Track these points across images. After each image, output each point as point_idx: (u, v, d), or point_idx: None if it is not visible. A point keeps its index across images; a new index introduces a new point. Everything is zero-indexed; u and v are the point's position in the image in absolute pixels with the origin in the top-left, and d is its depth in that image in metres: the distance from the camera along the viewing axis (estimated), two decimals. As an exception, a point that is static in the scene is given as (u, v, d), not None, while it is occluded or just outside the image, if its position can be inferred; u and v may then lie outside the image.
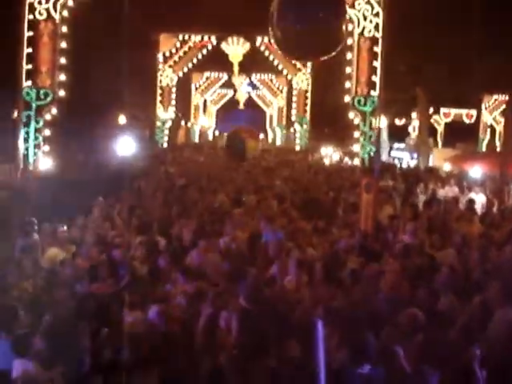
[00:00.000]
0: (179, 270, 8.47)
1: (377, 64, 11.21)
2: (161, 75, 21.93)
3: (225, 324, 6.64)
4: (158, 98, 22.04)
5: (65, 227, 10.18)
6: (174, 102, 22.46)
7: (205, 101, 42.94)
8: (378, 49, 11.22)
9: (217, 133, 51.72)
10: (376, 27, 11.24)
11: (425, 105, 33.56)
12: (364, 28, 11.20)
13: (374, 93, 11.21)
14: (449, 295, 7.32)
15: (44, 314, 6.70)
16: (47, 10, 10.93)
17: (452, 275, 8.04)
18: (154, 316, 6.81)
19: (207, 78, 36.57)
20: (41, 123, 11.06)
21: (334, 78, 18.30)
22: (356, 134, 11.55)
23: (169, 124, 22.33)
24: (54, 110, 11.18)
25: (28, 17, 11.00)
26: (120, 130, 25.76)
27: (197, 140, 40.71)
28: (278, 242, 9.66)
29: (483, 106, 34.36)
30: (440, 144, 39.99)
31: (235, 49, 22.64)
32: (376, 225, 11.40)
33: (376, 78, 11.20)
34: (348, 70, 11.54)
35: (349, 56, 11.47)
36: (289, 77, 25.33)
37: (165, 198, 14.53)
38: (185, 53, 22.03)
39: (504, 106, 31.74)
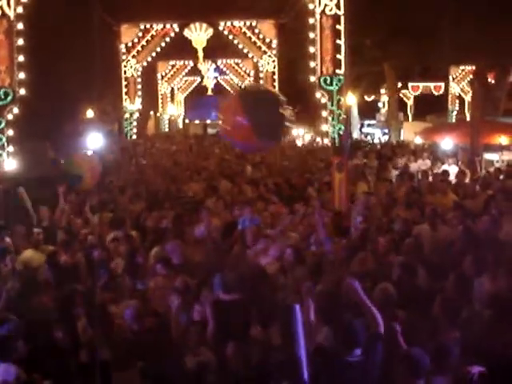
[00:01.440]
0: (160, 262, 8.34)
1: (340, 42, 11.10)
2: (125, 66, 21.59)
3: (199, 317, 6.56)
4: (124, 90, 21.71)
5: (39, 229, 9.97)
6: (140, 93, 22.15)
7: (172, 89, 42.54)
8: (340, 26, 11.11)
9: (187, 121, 51.39)
10: (337, 5, 11.12)
11: (393, 80, 33.64)
12: (325, 6, 11.07)
13: (340, 71, 11.12)
14: (422, 269, 7.31)
15: (22, 317, 6.58)
16: (1, 7, 10.64)
17: (420, 248, 8.08)
18: (132, 313, 6.72)
19: (173, 66, 36.20)
20: (3, 124, 10.80)
21: (299, 59, 18.21)
22: (324, 114, 11.48)
23: (137, 115, 22.05)
24: (16, 110, 10.91)
25: (-19, 15, 10.70)
26: (88, 125, 25.47)
27: (167, 129, 40.40)
28: (256, 228, 9.57)
29: (450, 78, 34.52)
30: (410, 118, 40.21)
31: (198, 35, 22.38)
32: (350, 203, 11.38)
33: (341, 56, 11.10)
34: (312, 49, 11.42)
35: (312, 35, 11.35)
36: (255, 60, 25.15)
37: (137, 190, 14.35)
38: (148, 42, 21.71)
39: (471, 76, 31.90)
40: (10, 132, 10.99)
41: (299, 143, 32.07)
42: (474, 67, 30.74)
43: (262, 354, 5.80)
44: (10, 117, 10.89)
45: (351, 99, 28.91)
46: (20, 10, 10.90)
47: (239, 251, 8.88)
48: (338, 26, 11.16)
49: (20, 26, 11.00)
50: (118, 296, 7.60)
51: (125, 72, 21.59)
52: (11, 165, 11.08)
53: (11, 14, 10.79)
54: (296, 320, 5.13)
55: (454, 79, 34.48)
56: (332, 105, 11.15)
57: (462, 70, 33.86)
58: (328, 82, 11.14)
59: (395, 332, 5.68)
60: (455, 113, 35.09)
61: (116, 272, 8.43)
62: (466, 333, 5.92)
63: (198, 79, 41.84)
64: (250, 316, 6.41)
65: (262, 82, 23.41)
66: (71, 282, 7.66)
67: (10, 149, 10.98)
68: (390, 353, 5.45)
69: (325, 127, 11.70)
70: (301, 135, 33.68)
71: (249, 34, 22.15)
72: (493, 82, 28.66)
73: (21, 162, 11.52)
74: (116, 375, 5.97)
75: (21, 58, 11.01)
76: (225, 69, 37.39)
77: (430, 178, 14.81)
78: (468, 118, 32.67)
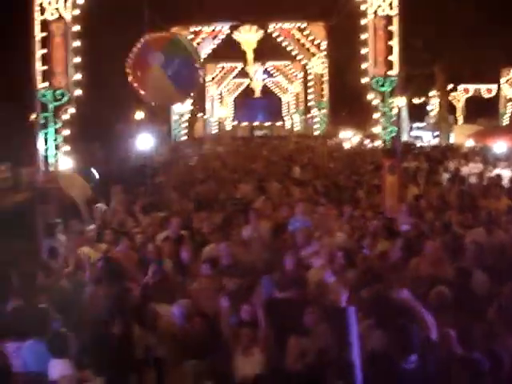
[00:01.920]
0: (206, 263, 8.36)
1: (393, 43, 10.97)
2: (175, 68, 21.74)
3: (248, 317, 6.56)
4: (174, 92, 21.84)
5: (92, 226, 10.15)
6: (190, 95, 22.27)
7: (220, 91, 42.78)
8: (393, 27, 10.98)
9: (235, 123, 51.63)
10: (390, 5, 11.01)
11: (443, 82, 33.15)
12: (378, 7, 10.97)
13: (392, 72, 11.00)
14: (479, 273, 7.18)
15: (76, 314, 6.70)
16: (57, 9, 10.86)
17: (480, 253, 7.90)
18: (181, 312, 6.77)
19: (223, 68, 36.40)
20: (59, 124, 11.00)
21: (350, 60, 18.10)
22: (376, 116, 11.36)
23: (186, 117, 22.22)
24: (72, 110, 11.11)
25: (39, 18, 10.92)
26: (138, 126, 25.84)
27: (215, 131, 40.64)
28: (307, 229, 9.53)
29: (502, 80, 33.82)
30: (461, 120, 39.56)
31: (248, 37, 22.45)
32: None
33: (393, 57, 10.97)
34: (364, 50, 11.32)
35: (364, 36, 11.25)
36: (303, 62, 25.09)
37: (186, 191, 14.48)
38: (198, 44, 21.83)
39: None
40: (66, 132, 11.19)
41: (347, 145, 31.86)
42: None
43: (319, 352, 5.77)
44: (65, 117, 11.09)
45: (401, 101, 28.62)
46: (76, 12, 11.09)
47: (290, 252, 8.85)
48: (390, 27, 11.04)
49: (76, 27, 11.19)
50: (169, 295, 7.67)
51: (175, 74, 21.74)
52: (66, 164, 11.30)
53: (67, 16, 10.99)
54: (350, 323, 5.09)
55: (506, 82, 33.76)
56: (384, 106, 11.03)
57: (515, 73, 33.19)
58: (380, 83, 11.03)
59: (450, 338, 5.59)
60: (507, 116, 34.36)
61: (166, 271, 8.52)
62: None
63: (247, 81, 41.98)
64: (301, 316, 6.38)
65: (310, 83, 23.32)
66: (123, 279, 7.77)
67: (66, 148, 11.19)
68: (446, 359, 5.35)
69: (377, 129, 11.58)
70: (348, 137, 33.43)
71: (298, 35, 22.09)
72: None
73: (77, 162, 11.77)
74: (169, 372, 6.04)
75: (76, 60, 11.21)
76: (273, 71, 37.44)
77: (485, 182, 14.56)
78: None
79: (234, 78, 40.94)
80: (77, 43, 11.22)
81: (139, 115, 30.93)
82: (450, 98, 37.54)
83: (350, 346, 4.99)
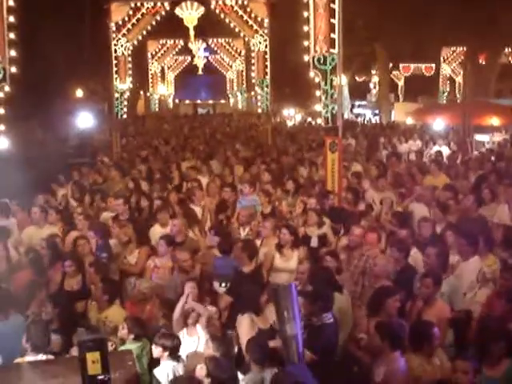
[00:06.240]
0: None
1: (335, 21, 10.95)
2: (115, 45, 21.27)
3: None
4: (114, 69, 21.41)
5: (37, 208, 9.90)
6: (130, 72, 21.85)
7: (162, 68, 42.14)
8: (335, 5, 10.95)
9: (177, 101, 51.08)
10: (332, -17, 10.96)
11: (384, 60, 33.55)
12: (320, -15, 10.93)
13: (334, 51, 11.01)
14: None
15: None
16: (-9, -17, 10.45)
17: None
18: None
19: (163, 45, 35.84)
20: (-5, 102, 10.65)
21: (292, 38, 18.12)
22: (317, 94, 11.40)
23: (127, 95, 21.82)
24: (7, 88, 10.74)
25: (-28, -8, 10.49)
26: (78, 104, 25.33)
27: (157, 109, 40.13)
28: (251, 207, 9.59)
29: (442, 59, 34.45)
30: (401, 98, 40.20)
31: (190, 13, 22.12)
32: (344, 184, 11.33)
33: (335, 36, 10.96)
34: (305, 28, 11.29)
35: (305, 14, 11.20)
36: (246, 39, 24.92)
37: (128, 170, 14.30)
38: (138, 20, 21.37)
39: (462, 58, 31.92)
40: (1, 111, 10.85)
41: (290, 123, 32.04)
42: (465, 48, 30.71)
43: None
44: (0, 95, 10.73)
45: (342, 79, 28.85)
46: (10, -14, 10.70)
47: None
48: (332, 5, 10.99)
49: (10, 2, 10.79)
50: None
51: (115, 51, 21.24)
52: (3, 143, 10.98)
53: (1, -10, 10.59)
54: (293, 299, 5.22)
55: (445, 60, 34.42)
56: (325, 84, 11.06)
57: (453, 51, 33.80)
58: (322, 61, 11.05)
59: None
60: (446, 94, 35.10)
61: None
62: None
63: (189, 58, 41.50)
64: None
65: (253, 61, 23.21)
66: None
67: (1, 127, 10.85)
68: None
69: (318, 107, 11.64)
70: (291, 115, 33.62)
71: (240, 12, 21.91)
72: (484, 63, 28.68)
73: (14, 142, 11.45)
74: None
75: (11, 36, 10.81)
76: (216, 48, 37.12)
77: (424, 159, 14.93)
78: (459, 100, 32.74)
79: (177, 54, 40.43)
80: (11, 18, 10.81)
81: (79, 93, 30.33)
82: (391, 76, 38.05)
83: (294, 319, 5.16)
